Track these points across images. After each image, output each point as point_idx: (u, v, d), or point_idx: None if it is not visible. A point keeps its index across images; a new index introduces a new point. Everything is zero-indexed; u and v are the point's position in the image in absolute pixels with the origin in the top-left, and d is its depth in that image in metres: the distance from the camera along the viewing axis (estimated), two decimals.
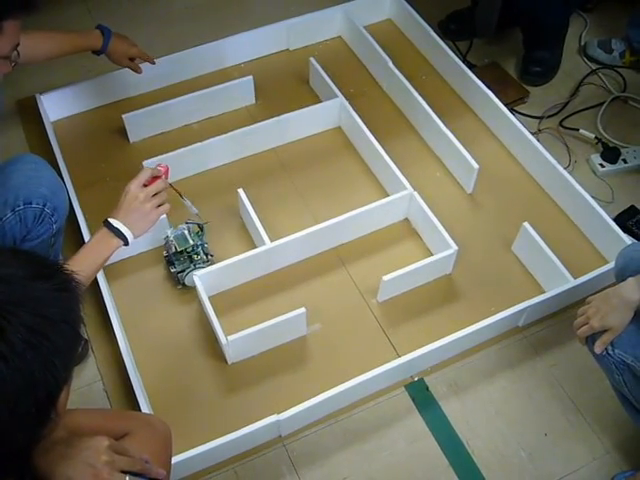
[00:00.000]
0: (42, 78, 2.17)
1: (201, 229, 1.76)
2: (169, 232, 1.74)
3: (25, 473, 0.88)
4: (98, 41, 1.84)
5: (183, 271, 1.72)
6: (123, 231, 1.44)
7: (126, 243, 1.45)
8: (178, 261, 1.73)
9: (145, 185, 1.47)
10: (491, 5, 2.24)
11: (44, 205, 1.43)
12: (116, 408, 1.57)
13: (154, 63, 2.02)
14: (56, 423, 0.87)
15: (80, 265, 1.35)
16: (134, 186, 1.46)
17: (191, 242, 1.72)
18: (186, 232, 1.74)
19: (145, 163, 1.88)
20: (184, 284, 1.75)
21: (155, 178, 1.49)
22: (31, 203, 1.41)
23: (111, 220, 1.44)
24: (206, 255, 1.75)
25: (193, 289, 1.71)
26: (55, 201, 1.45)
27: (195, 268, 1.71)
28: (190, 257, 1.73)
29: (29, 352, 0.78)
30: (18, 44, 1.36)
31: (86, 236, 1.72)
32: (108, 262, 1.68)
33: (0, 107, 1.69)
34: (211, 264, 1.73)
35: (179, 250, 1.72)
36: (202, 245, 1.75)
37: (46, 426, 0.85)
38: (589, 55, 2.33)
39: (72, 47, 1.83)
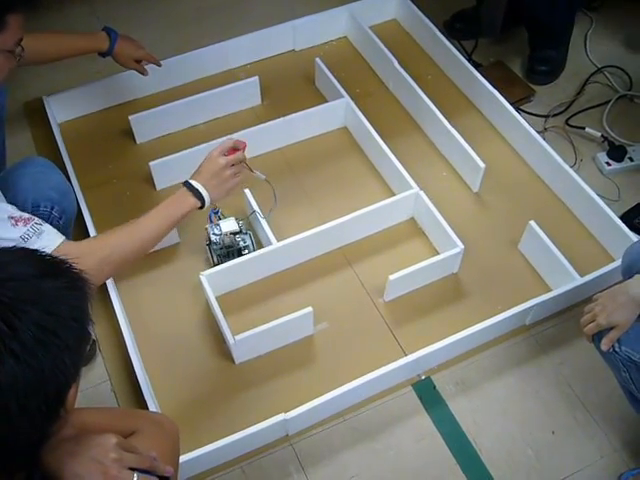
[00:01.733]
0: (49, 80, 2.18)
1: (252, 243, 1.78)
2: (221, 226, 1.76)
3: (34, 470, 0.88)
4: (104, 43, 1.85)
5: (219, 256, 1.76)
6: (202, 192, 1.48)
7: (202, 205, 1.49)
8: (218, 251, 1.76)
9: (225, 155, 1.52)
10: (496, 5, 2.24)
11: (52, 208, 1.44)
12: (124, 407, 1.58)
13: (160, 65, 2.02)
14: (65, 420, 0.88)
15: (154, 218, 1.44)
16: (217, 153, 1.51)
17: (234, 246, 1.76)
18: (239, 244, 1.76)
19: (152, 164, 1.89)
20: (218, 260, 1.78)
21: (234, 150, 1.54)
22: (39, 206, 1.42)
23: (191, 181, 1.49)
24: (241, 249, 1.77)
25: (201, 289, 1.71)
26: (63, 204, 1.46)
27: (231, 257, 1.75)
28: (228, 254, 1.77)
29: (39, 349, 0.78)
30: (22, 38, 1.37)
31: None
32: None
33: (1, 108, 1.70)
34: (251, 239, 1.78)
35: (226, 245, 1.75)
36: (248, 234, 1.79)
37: (55, 423, 0.86)
38: None
39: (79, 49, 1.84)
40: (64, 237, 1.32)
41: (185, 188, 1.49)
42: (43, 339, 0.79)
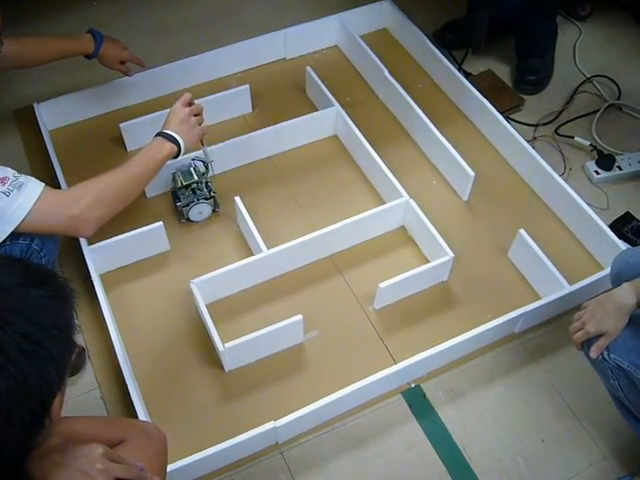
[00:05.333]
0: (39, 87, 2.18)
1: (206, 167, 1.87)
2: (176, 168, 1.85)
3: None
4: (90, 45, 1.86)
5: (187, 205, 1.85)
6: (176, 137, 1.59)
7: (178, 152, 1.60)
8: (183, 195, 1.86)
9: None
10: (479, 20, 2.25)
11: (31, 241, 1.42)
12: (111, 416, 1.57)
13: (144, 66, 2.04)
14: (50, 430, 0.87)
15: (138, 161, 1.55)
16: (179, 104, 1.64)
17: (195, 177, 1.85)
18: (192, 169, 1.86)
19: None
20: (188, 218, 1.88)
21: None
22: (18, 239, 1.40)
23: (164, 130, 1.61)
24: (209, 192, 1.87)
25: (191, 297, 1.71)
26: (44, 237, 1.44)
27: (198, 202, 1.85)
28: (194, 191, 1.86)
29: (23, 360, 0.78)
30: (1, 32, 1.41)
31: (84, 248, 1.72)
32: (104, 271, 1.69)
33: None
34: (214, 201, 1.89)
35: (184, 184, 1.84)
36: (206, 182, 1.87)
37: (40, 433, 0.85)
38: None
39: (64, 51, 1.85)
40: (43, 184, 1.37)
41: (159, 137, 1.60)
42: (27, 349, 0.78)
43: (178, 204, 1.86)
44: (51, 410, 0.84)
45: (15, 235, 1.38)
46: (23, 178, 1.35)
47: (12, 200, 1.32)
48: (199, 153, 1.82)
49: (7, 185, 1.32)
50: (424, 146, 2.08)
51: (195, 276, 1.69)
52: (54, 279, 0.88)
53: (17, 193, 1.32)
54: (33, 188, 1.36)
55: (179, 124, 1.61)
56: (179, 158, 1.64)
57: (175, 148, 1.59)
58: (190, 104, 1.66)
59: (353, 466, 1.53)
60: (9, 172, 1.34)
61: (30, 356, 0.79)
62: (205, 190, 1.86)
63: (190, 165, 1.86)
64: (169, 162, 1.64)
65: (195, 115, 1.65)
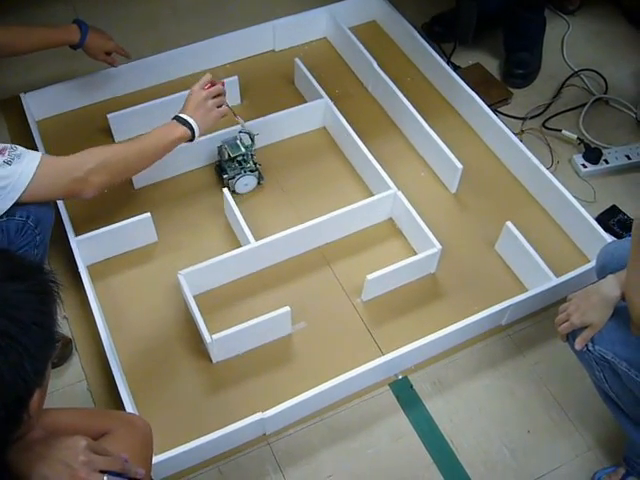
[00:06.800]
0: (26, 78, 2.17)
1: (252, 139, 1.90)
2: (222, 141, 1.89)
3: (2, 472, 0.87)
4: (75, 35, 1.85)
5: (234, 177, 1.88)
6: (190, 122, 1.62)
7: (192, 136, 1.63)
8: (229, 167, 1.90)
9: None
10: (468, 13, 2.26)
11: (27, 218, 1.43)
12: (96, 407, 1.57)
13: (129, 57, 2.04)
14: (30, 424, 0.87)
15: (143, 140, 1.58)
16: (197, 87, 1.66)
17: (242, 150, 1.88)
18: (238, 141, 1.89)
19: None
20: (234, 191, 1.90)
21: (213, 85, 1.68)
22: (14, 215, 1.41)
23: (180, 114, 1.63)
24: (255, 164, 1.90)
25: (178, 288, 1.71)
26: (39, 214, 1.46)
27: (245, 175, 1.88)
28: (240, 164, 1.89)
29: None
30: None
31: (72, 239, 1.72)
32: (91, 262, 1.68)
33: None
34: (259, 174, 1.92)
35: (232, 157, 1.88)
36: (252, 155, 1.90)
37: (18, 428, 0.84)
38: None
39: (50, 41, 1.84)
40: (39, 152, 1.41)
41: (174, 120, 1.62)
42: (2, 345, 0.78)
43: (224, 176, 1.89)
44: (29, 405, 0.84)
45: (12, 211, 1.40)
46: (21, 149, 1.39)
47: (15, 168, 1.36)
48: (241, 123, 1.84)
49: (6, 155, 1.35)
50: (412, 138, 2.08)
51: (183, 267, 1.69)
52: (37, 273, 0.87)
53: (18, 161, 1.36)
54: (33, 156, 1.40)
55: (195, 108, 1.64)
56: (194, 142, 1.66)
57: (188, 132, 1.62)
58: (212, 84, 1.67)
59: (340, 457, 1.54)
60: (6, 145, 1.38)
61: (4, 352, 0.78)
62: (251, 162, 1.90)
63: (236, 138, 1.89)
64: (212, 135, 1.76)
65: (215, 97, 1.67)
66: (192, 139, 1.65)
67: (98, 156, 1.49)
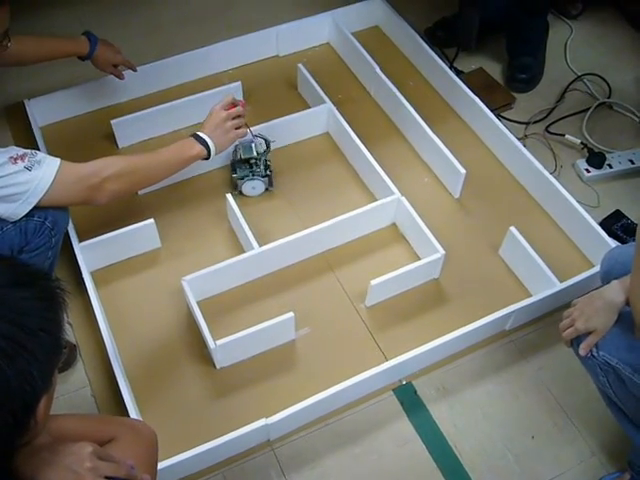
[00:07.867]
0: (30, 84, 2.17)
1: (267, 146, 1.94)
2: (239, 141, 1.89)
3: (7, 479, 0.87)
4: (85, 47, 1.87)
5: (242, 178, 1.91)
6: (207, 141, 1.66)
7: (208, 154, 1.67)
8: (240, 168, 1.92)
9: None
10: (471, 19, 2.26)
11: (45, 219, 1.46)
12: (102, 413, 1.57)
13: (136, 70, 2.06)
14: (37, 430, 0.87)
15: (160, 154, 1.62)
16: (219, 107, 1.70)
17: (254, 154, 1.91)
18: (253, 145, 1.92)
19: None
20: (240, 192, 1.94)
21: (234, 106, 1.72)
22: (33, 216, 1.44)
23: (198, 132, 1.67)
24: (266, 170, 1.92)
25: (182, 294, 1.71)
26: (56, 216, 1.48)
27: (253, 178, 1.90)
28: (251, 167, 1.92)
29: (5, 362, 0.77)
30: (8, 29, 1.47)
31: (75, 245, 1.73)
32: (95, 268, 1.68)
33: None
34: (269, 180, 1.93)
35: (243, 158, 1.91)
36: (264, 160, 1.93)
37: (25, 434, 0.85)
38: None
39: (60, 52, 1.86)
40: (58, 158, 1.44)
41: (192, 138, 1.66)
42: (9, 352, 0.78)
43: (234, 175, 1.92)
44: (36, 411, 0.84)
45: (30, 212, 1.42)
46: (40, 155, 1.41)
47: (35, 174, 1.38)
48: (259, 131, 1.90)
49: (26, 161, 1.38)
50: (415, 143, 2.08)
51: (186, 273, 1.69)
52: (43, 279, 0.87)
53: (38, 167, 1.39)
54: (52, 162, 1.42)
55: (214, 128, 1.67)
56: (210, 160, 1.70)
57: (205, 151, 1.66)
58: (234, 105, 1.71)
59: (344, 463, 1.53)
60: (27, 151, 1.40)
61: (12, 358, 0.78)
62: (262, 167, 1.91)
63: (252, 141, 1.91)
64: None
65: (234, 118, 1.71)
66: (207, 158, 1.68)
67: (115, 165, 1.52)
